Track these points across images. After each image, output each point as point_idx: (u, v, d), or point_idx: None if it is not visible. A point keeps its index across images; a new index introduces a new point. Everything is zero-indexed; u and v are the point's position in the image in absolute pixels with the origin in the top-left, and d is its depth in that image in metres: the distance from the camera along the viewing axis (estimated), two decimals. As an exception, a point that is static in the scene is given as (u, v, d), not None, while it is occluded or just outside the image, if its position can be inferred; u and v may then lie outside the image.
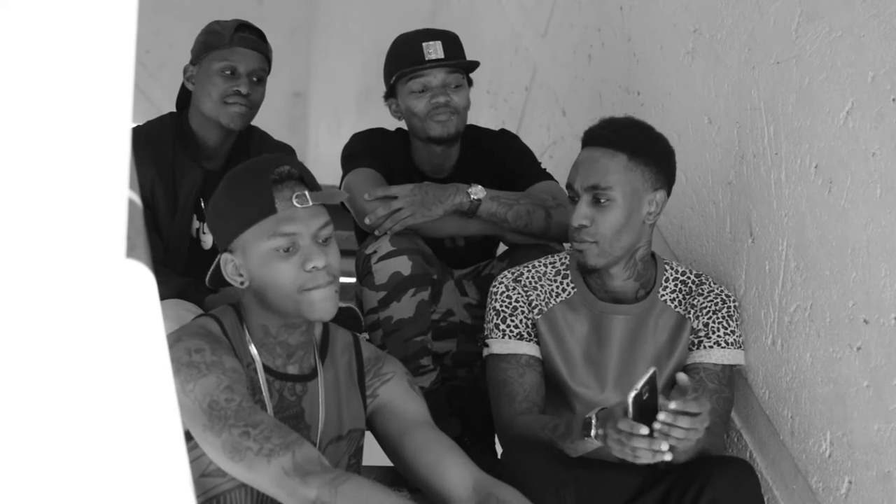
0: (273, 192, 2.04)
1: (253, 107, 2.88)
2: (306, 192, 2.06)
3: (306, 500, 1.88)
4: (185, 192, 2.87)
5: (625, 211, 2.41)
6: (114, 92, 0.81)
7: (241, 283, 2.09)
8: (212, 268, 2.14)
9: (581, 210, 2.42)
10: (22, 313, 0.77)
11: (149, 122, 2.96)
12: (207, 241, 2.91)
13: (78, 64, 0.79)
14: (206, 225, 2.89)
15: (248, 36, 2.88)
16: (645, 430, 2.02)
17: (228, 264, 2.08)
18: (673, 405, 2.01)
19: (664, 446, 2.01)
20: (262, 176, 2.06)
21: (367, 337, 2.71)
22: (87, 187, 0.80)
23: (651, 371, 2.05)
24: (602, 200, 2.41)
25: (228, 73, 2.84)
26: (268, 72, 2.92)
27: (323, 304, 2.06)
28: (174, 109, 3.00)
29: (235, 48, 2.85)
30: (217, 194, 2.13)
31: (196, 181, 2.87)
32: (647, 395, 2.04)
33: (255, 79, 2.87)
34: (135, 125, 2.92)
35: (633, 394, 2.03)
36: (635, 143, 2.43)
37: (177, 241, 2.87)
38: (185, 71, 2.93)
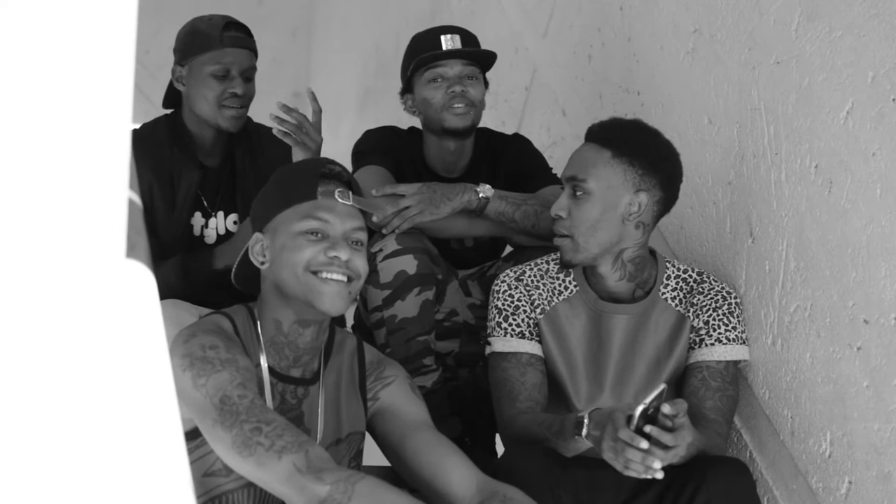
0: (318, 182, 2.14)
1: (247, 105, 2.92)
2: (350, 192, 2.15)
3: (316, 498, 1.87)
4: (184, 190, 2.88)
5: (600, 205, 2.41)
6: (114, 92, 0.81)
7: (262, 264, 2.13)
8: (240, 254, 2.19)
9: (561, 201, 2.45)
10: (22, 313, 0.77)
11: (144, 125, 2.97)
12: (210, 235, 2.92)
13: (78, 64, 0.79)
14: (210, 221, 2.92)
15: (237, 34, 2.89)
16: (645, 445, 2.02)
17: (258, 244, 2.15)
18: (648, 429, 2.03)
19: (657, 464, 2.02)
20: (311, 167, 2.19)
21: (352, 327, 2.72)
22: (87, 187, 0.80)
23: (662, 387, 2.06)
24: (577, 192, 2.42)
25: (222, 75, 2.85)
26: (255, 67, 2.94)
27: (331, 298, 2.08)
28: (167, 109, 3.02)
29: (226, 49, 2.86)
30: (267, 182, 2.22)
31: (194, 179, 2.89)
32: (652, 410, 2.05)
33: (246, 77, 2.90)
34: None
35: (640, 407, 2.03)
36: (624, 142, 2.42)
37: (171, 240, 2.88)
38: (173, 72, 2.94)
